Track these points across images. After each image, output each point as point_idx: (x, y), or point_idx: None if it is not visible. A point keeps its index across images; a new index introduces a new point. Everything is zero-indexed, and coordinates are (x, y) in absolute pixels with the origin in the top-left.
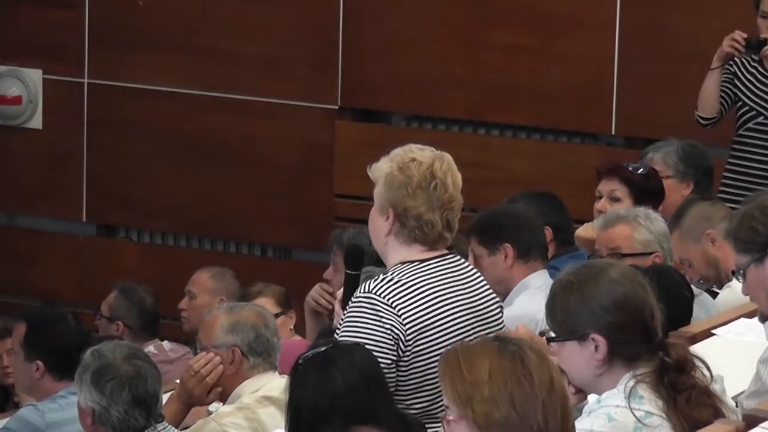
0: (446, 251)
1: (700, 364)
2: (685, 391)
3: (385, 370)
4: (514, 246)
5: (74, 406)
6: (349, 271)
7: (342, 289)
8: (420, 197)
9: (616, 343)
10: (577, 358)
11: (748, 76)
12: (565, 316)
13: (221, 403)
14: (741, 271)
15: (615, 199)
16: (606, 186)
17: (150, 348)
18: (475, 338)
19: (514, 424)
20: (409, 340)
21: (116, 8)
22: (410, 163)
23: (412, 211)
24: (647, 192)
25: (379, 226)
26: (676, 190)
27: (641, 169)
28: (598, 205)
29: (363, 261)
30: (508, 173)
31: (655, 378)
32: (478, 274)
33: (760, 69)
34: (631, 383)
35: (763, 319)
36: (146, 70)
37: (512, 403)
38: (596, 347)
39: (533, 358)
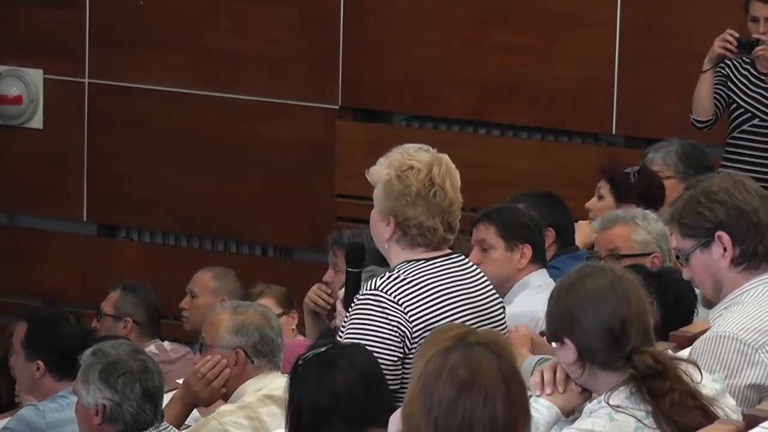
0: (450, 251)
1: (686, 366)
2: (666, 396)
3: (392, 368)
4: (533, 249)
5: (74, 407)
6: (350, 269)
7: (343, 288)
8: (420, 206)
9: (584, 349)
10: (562, 358)
11: (741, 78)
12: (548, 318)
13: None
14: (685, 256)
15: (599, 197)
16: (598, 183)
17: (151, 348)
18: None
19: None
20: (415, 337)
21: (117, 8)
22: (408, 171)
23: (413, 220)
24: (627, 190)
25: (380, 230)
26: (677, 190)
27: (629, 168)
28: (588, 201)
29: (364, 259)
30: (509, 173)
31: (635, 386)
32: (482, 273)
33: (752, 71)
34: (613, 392)
35: (707, 304)
36: (147, 70)
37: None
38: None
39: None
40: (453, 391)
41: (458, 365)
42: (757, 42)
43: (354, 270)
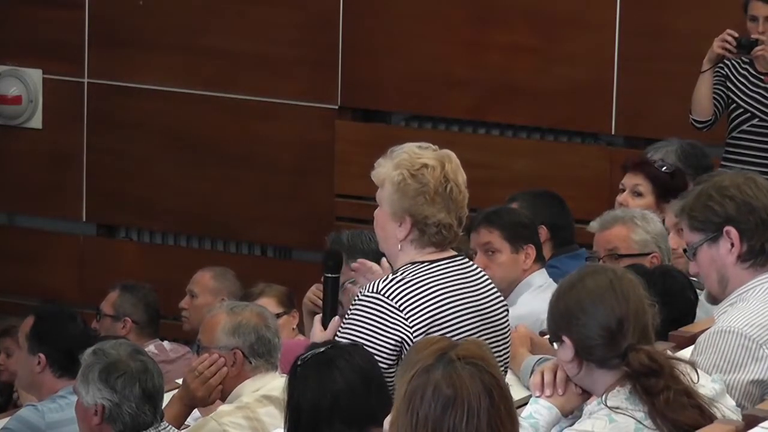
0: (455, 253)
1: (684, 366)
2: (660, 394)
3: (383, 374)
4: (536, 248)
5: (74, 407)
6: (329, 275)
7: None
8: (438, 203)
9: (581, 347)
10: (560, 356)
11: (740, 78)
12: (548, 317)
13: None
14: (693, 250)
15: (637, 194)
16: (630, 180)
17: (151, 347)
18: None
19: None
20: (417, 340)
21: (116, 8)
22: (423, 170)
23: (432, 218)
24: (670, 190)
25: (391, 231)
26: None
27: (666, 167)
28: (620, 197)
29: (342, 264)
30: (509, 173)
31: (631, 384)
32: (486, 276)
33: (752, 70)
34: (610, 392)
35: (711, 300)
36: (146, 70)
37: None
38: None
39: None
40: (438, 409)
41: (441, 383)
42: (756, 42)
43: (332, 276)
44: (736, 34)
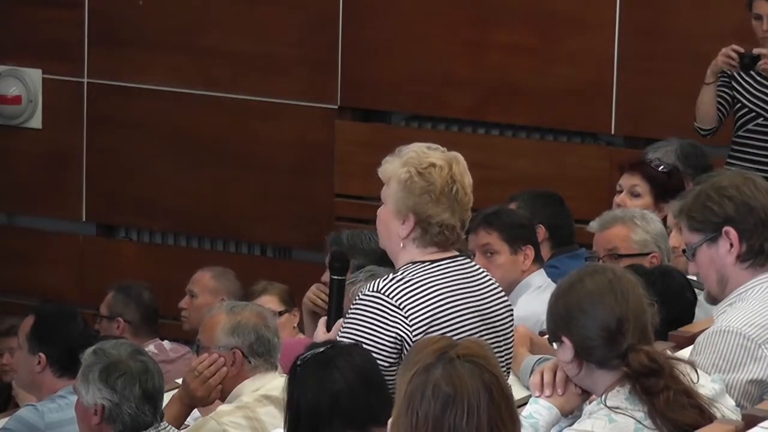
0: (457, 253)
1: (683, 366)
2: (660, 394)
3: (384, 373)
4: (534, 249)
5: (73, 407)
6: (335, 277)
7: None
8: (443, 203)
9: (581, 347)
10: (560, 356)
11: (746, 77)
12: (548, 317)
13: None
14: (692, 250)
15: (635, 195)
16: (627, 181)
17: (151, 347)
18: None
19: None
20: (416, 340)
21: (116, 8)
22: (431, 169)
23: (436, 217)
24: (668, 190)
25: (394, 229)
26: None
27: (663, 167)
28: (618, 199)
29: (348, 266)
30: (508, 173)
31: (630, 384)
32: (490, 277)
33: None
34: (610, 392)
35: (710, 300)
36: (146, 70)
37: None
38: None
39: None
40: (438, 407)
41: (441, 381)
42: (759, 57)
43: (338, 278)
44: (741, 50)
